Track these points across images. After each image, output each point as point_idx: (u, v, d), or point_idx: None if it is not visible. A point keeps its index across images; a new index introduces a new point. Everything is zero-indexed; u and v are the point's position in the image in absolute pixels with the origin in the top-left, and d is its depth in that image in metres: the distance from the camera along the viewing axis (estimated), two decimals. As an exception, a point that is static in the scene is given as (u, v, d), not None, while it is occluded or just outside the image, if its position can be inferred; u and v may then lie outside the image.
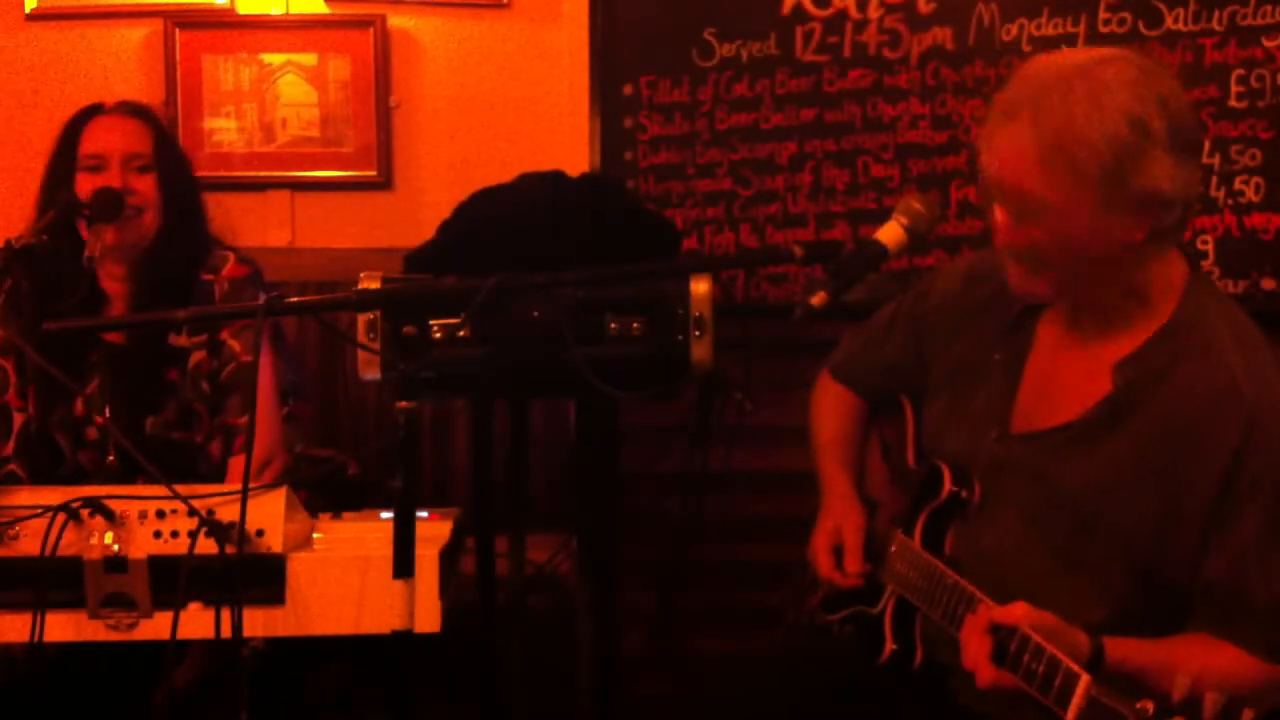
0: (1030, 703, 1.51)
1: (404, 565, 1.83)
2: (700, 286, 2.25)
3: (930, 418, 2.06)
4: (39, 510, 1.99)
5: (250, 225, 3.42)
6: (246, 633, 1.97)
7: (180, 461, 2.55)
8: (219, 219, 2.82)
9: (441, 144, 3.59)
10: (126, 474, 2.36)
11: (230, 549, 1.93)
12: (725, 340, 2.29)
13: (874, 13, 3.39)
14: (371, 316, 2.21)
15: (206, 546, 1.95)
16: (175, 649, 1.98)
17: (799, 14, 3.42)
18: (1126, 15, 3.29)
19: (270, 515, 2.01)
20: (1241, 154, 3.25)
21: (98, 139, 2.64)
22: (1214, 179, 3.25)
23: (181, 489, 2.00)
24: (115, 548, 1.98)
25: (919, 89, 3.38)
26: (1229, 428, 1.67)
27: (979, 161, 1.75)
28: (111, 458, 2.55)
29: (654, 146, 3.48)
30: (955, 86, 3.36)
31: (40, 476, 2.60)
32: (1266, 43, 3.25)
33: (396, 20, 3.56)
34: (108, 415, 2.55)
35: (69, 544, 1.98)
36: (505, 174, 2.76)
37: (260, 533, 2.00)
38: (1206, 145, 3.25)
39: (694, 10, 3.44)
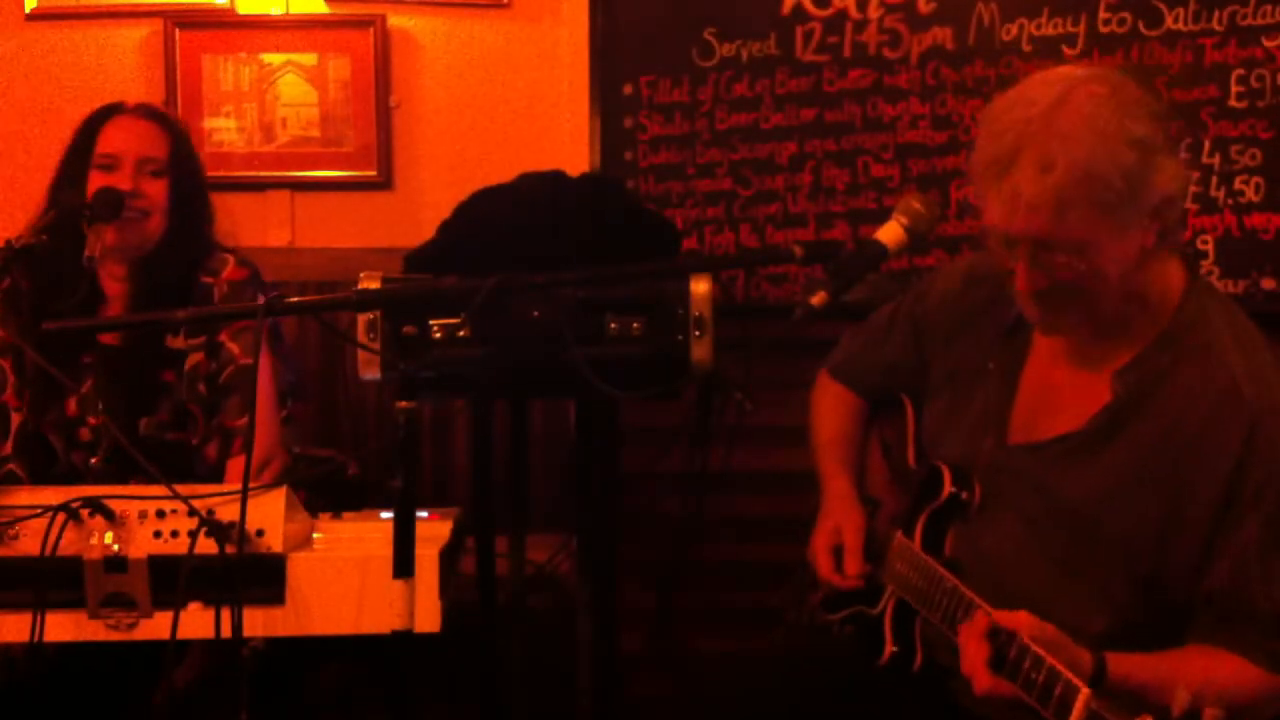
0: (1028, 711, 1.51)
1: (404, 565, 1.83)
2: (700, 286, 2.25)
3: (929, 420, 2.06)
4: (39, 510, 1.99)
5: (250, 225, 3.43)
6: (246, 633, 1.97)
7: (175, 463, 2.54)
8: (220, 221, 2.82)
9: (441, 144, 3.59)
10: (120, 474, 2.35)
11: (230, 549, 1.93)
12: (725, 340, 2.29)
13: (874, 13, 3.39)
14: (371, 316, 2.21)
15: (206, 546, 1.95)
16: (175, 649, 1.98)
17: (799, 14, 3.42)
18: (1126, 15, 3.29)
19: (270, 515, 2.01)
20: (1241, 154, 3.25)
21: (114, 139, 2.64)
22: (1214, 179, 3.25)
23: (181, 489, 2.00)
24: (115, 548, 1.97)
25: (919, 89, 3.38)
26: (1231, 433, 1.67)
27: (983, 220, 1.71)
28: (95, 459, 2.55)
29: (654, 146, 3.48)
30: (955, 86, 3.36)
31: (35, 476, 2.60)
32: (1266, 43, 3.25)
33: (396, 20, 3.56)
34: (102, 415, 2.55)
35: (69, 544, 1.98)
36: (505, 174, 2.76)
37: (260, 533, 1.99)
38: (1206, 145, 3.25)
39: (694, 10, 3.44)
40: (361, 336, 2.21)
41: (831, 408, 2.27)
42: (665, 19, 3.45)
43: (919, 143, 3.39)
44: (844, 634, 2.09)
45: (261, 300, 2.02)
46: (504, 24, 3.58)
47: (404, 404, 1.81)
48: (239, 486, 1.87)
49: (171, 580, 1.94)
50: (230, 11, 3.52)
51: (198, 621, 1.97)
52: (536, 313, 2.17)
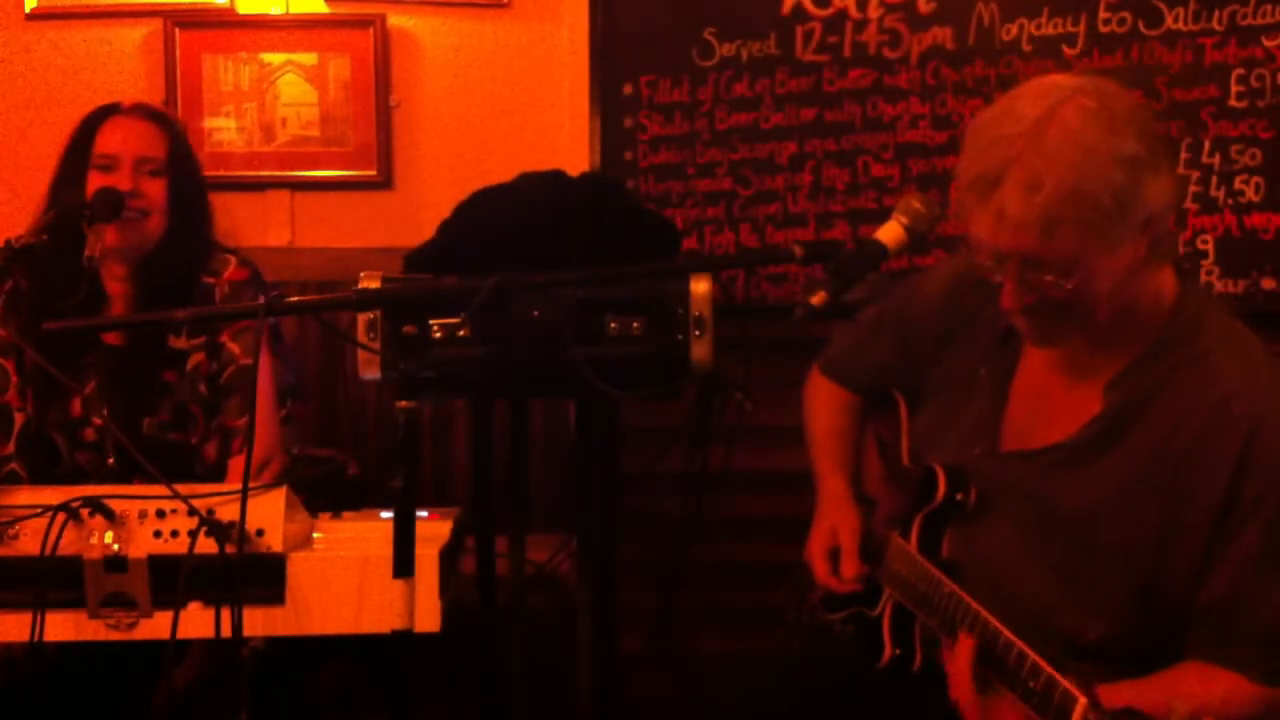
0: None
1: (404, 565, 1.83)
2: (700, 286, 2.25)
3: (922, 424, 2.05)
4: (39, 510, 1.99)
5: (250, 225, 3.43)
6: (246, 632, 1.97)
7: (176, 463, 2.55)
8: (220, 220, 2.82)
9: (441, 144, 3.59)
10: (124, 474, 2.35)
11: (230, 549, 1.93)
12: (725, 340, 2.29)
13: (874, 12, 3.39)
14: (371, 316, 2.21)
15: (206, 546, 1.95)
16: (175, 649, 1.98)
17: (799, 14, 3.42)
18: (1126, 15, 3.29)
19: (270, 515, 2.00)
20: (1241, 154, 3.25)
21: (111, 139, 2.64)
22: (1214, 179, 3.25)
23: (182, 488, 2.00)
24: (115, 547, 1.97)
25: (919, 89, 3.38)
26: (1229, 440, 1.66)
27: (968, 234, 1.68)
28: (111, 460, 2.55)
29: (654, 146, 3.48)
30: (955, 86, 3.36)
31: (38, 476, 2.60)
32: (1266, 42, 3.25)
33: (396, 20, 3.56)
34: (106, 416, 2.55)
35: (69, 543, 1.98)
36: (505, 174, 2.76)
37: (260, 532, 1.99)
38: (1206, 145, 3.25)
39: (694, 10, 3.44)
40: (361, 336, 2.21)
41: (825, 403, 2.26)
42: (665, 19, 3.45)
43: (919, 142, 3.39)
44: (844, 633, 2.09)
45: (262, 300, 2.02)
46: (504, 24, 3.58)
47: (404, 404, 1.81)
48: (239, 486, 1.87)
49: (171, 580, 1.94)
50: (230, 11, 3.52)
51: (198, 621, 1.97)
52: (536, 313, 2.17)
